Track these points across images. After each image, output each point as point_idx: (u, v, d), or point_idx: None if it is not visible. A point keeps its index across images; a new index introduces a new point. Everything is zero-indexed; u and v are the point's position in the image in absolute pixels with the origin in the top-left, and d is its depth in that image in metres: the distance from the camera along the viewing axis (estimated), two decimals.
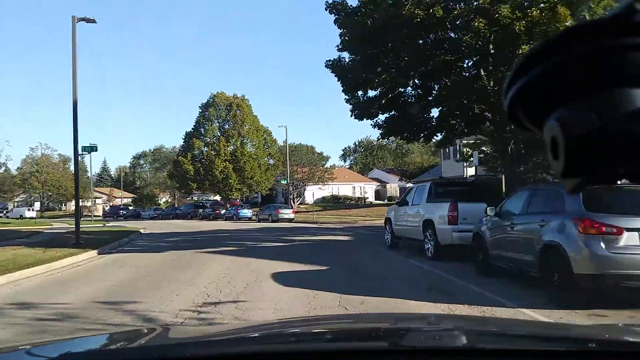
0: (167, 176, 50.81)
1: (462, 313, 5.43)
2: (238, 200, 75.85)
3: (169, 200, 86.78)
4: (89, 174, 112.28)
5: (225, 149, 50.01)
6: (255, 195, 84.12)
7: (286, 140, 44.34)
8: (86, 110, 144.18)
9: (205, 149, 50.49)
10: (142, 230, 28.13)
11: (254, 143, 51.93)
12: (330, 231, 24.38)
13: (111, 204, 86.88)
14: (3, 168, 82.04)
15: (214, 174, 48.70)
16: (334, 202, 60.86)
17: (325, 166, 59.72)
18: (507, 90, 0.52)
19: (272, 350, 1.23)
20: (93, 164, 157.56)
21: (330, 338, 1.52)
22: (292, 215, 36.85)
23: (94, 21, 16.09)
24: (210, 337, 1.62)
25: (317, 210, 36.95)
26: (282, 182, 43.98)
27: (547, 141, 0.49)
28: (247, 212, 43.53)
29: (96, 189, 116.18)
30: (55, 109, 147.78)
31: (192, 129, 52.25)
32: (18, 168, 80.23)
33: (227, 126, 52.04)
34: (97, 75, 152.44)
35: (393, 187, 69.30)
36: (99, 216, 77.30)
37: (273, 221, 36.40)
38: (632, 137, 0.43)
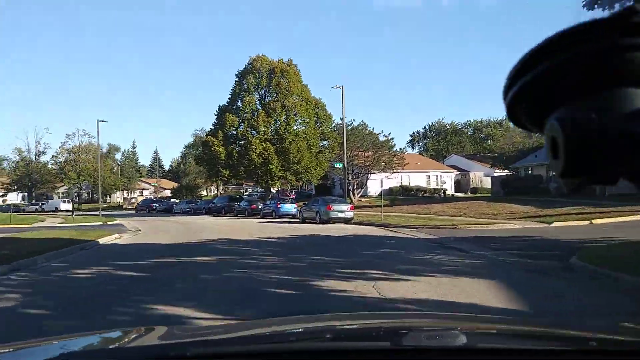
0: (194, 161, 40.08)
1: None
2: (293, 192, 65.41)
3: (221, 191, 77.92)
4: (139, 164, 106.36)
5: (265, 126, 38.89)
6: (310, 186, 73.25)
7: (342, 105, 31.86)
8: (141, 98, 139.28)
9: (241, 126, 39.59)
10: (115, 238, 17.96)
11: (302, 118, 40.41)
12: (428, 249, 12.48)
13: (158, 196, 79.56)
14: (43, 157, 77.69)
15: (251, 157, 37.76)
16: (404, 194, 48.76)
17: (393, 150, 47.23)
18: (507, 90, 0.52)
19: (272, 349, 1.24)
20: (144, 156, 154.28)
21: (330, 337, 1.49)
22: (349, 214, 25.09)
23: None
24: (211, 336, 1.63)
25: (385, 205, 25.73)
26: (337, 165, 32.27)
27: (547, 141, 0.49)
28: (289, 207, 32.28)
29: (145, 180, 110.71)
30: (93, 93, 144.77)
31: (227, 102, 41.64)
32: (53, 156, 73.89)
33: (268, 98, 40.93)
34: (150, 59, 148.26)
35: (477, 176, 55.69)
36: (130, 209, 69.89)
37: (322, 222, 24.88)
38: (632, 137, 0.43)
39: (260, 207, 35.57)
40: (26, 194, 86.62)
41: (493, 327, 1.76)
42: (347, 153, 33.55)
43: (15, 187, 78.32)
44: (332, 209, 24.54)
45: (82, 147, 73.53)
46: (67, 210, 71.18)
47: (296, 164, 38.70)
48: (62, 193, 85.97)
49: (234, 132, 39.85)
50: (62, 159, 73.35)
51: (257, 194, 79.42)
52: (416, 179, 52.78)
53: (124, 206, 79.71)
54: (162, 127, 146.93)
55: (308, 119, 40.39)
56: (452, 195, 49.04)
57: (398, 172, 49.49)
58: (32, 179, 75.14)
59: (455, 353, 1.21)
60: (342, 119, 30.55)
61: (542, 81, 0.48)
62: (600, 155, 0.45)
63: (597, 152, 0.45)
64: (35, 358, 1.45)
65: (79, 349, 1.52)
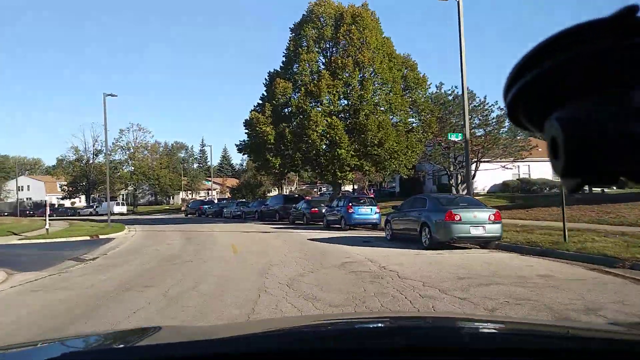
0: (237, 149, 28.89)
1: None
2: (371, 190, 52.83)
3: (294, 189, 67.66)
4: (206, 163, 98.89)
5: (331, 93, 26.79)
6: (393, 183, 60.00)
7: (462, 56, 18.33)
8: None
9: (296, 95, 27.78)
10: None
11: (385, 82, 27.81)
12: None
13: (225, 197, 71.05)
14: (101, 157, 71.74)
15: (310, 138, 25.84)
16: (523, 192, 34.93)
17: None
18: (507, 90, 0.52)
19: (272, 349, 1.23)
20: (213, 154, 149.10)
21: (330, 337, 1.48)
22: (495, 230, 12.10)
23: None
24: (211, 336, 1.60)
25: (503, 207, 13.01)
26: (454, 137, 19.30)
27: (547, 141, 0.49)
28: (367, 212, 20.18)
29: (212, 179, 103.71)
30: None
31: (280, 67, 30.13)
32: (105, 154, 67.16)
33: (335, 54, 28.80)
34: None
35: None
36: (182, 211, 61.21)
37: (435, 244, 12.27)
38: (632, 137, 0.43)
39: (323, 211, 23.64)
40: (92, 196, 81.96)
41: (493, 327, 1.76)
42: (467, 108, 20.33)
43: (71, 189, 73.01)
44: (460, 219, 11.78)
45: (139, 143, 66.32)
46: (120, 213, 64.48)
47: (377, 146, 26.15)
48: (124, 194, 79.90)
49: (287, 105, 28.04)
50: (116, 157, 66.42)
51: (329, 193, 68.02)
52: (539, 170, 38.15)
53: (182, 208, 71.81)
54: (232, 124, 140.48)
55: (393, 83, 27.67)
56: (602, 192, 34.04)
57: (518, 162, 35.51)
58: (90, 180, 69.04)
59: (455, 353, 1.21)
60: (461, 67, 17.27)
61: (542, 81, 0.48)
62: (600, 155, 0.44)
63: (597, 152, 0.44)
64: (35, 358, 1.44)
65: (79, 349, 1.52)
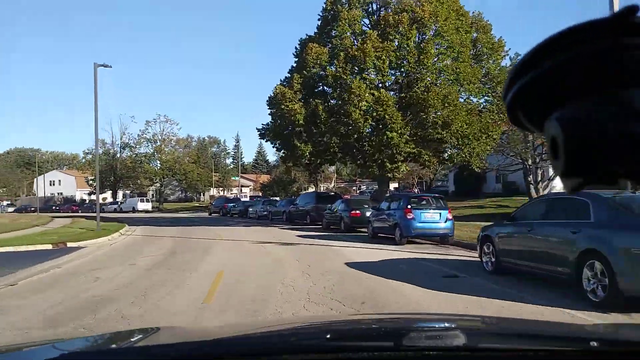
0: (259, 134, 22.78)
1: None
2: (417, 189, 45.99)
3: (331, 187, 61.74)
4: (237, 159, 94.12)
5: (379, 58, 20.24)
6: (443, 178, 52.76)
7: None
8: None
9: (333, 64, 21.39)
10: None
11: (448, 46, 21.02)
12: None
13: (258, 195, 65.93)
14: (127, 151, 67.61)
15: (351, 117, 19.38)
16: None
17: None
18: (507, 90, 0.52)
19: (272, 349, 1.23)
20: (248, 150, 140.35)
21: (330, 337, 1.45)
22: None
23: None
24: (211, 336, 1.60)
25: None
26: None
27: (547, 141, 0.49)
28: (434, 219, 13.63)
29: (246, 176, 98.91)
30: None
31: (315, 32, 23.87)
32: (130, 146, 62.91)
33: (383, 10, 22.26)
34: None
35: None
36: (201, 210, 56.19)
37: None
38: (632, 137, 0.43)
39: (367, 214, 17.29)
40: (124, 192, 78.80)
41: (493, 327, 1.77)
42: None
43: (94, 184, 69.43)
44: None
45: (165, 136, 61.74)
46: (144, 210, 60.20)
47: (440, 128, 19.47)
48: (154, 190, 75.80)
49: (321, 78, 21.73)
50: (142, 151, 62.08)
51: (370, 192, 60.89)
52: None
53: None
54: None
55: (461, 48, 20.89)
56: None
57: None
58: (117, 175, 65.11)
59: (455, 353, 1.20)
60: None
61: (542, 81, 0.48)
62: (600, 155, 0.44)
63: (597, 152, 0.44)
64: (35, 358, 1.44)
65: (79, 349, 1.51)
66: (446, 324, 1.84)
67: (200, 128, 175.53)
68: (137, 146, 61.21)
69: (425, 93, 19.66)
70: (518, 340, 1.38)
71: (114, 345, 1.61)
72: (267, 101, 22.69)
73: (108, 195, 72.84)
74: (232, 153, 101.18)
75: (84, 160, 68.12)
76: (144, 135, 61.09)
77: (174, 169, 61.35)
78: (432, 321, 2.01)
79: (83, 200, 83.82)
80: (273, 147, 23.86)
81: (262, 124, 23.74)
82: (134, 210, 58.06)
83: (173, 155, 61.91)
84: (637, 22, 0.43)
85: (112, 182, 67.77)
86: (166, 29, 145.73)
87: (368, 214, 17.35)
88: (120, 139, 65.87)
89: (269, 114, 22.84)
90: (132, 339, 1.57)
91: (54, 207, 70.84)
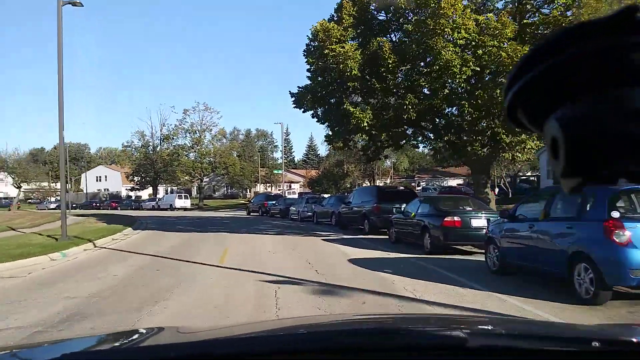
0: (293, 100, 14.94)
1: None
2: (495, 190, 37.01)
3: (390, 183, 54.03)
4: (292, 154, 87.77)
5: None
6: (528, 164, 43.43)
7: None
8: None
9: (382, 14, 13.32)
10: None
11: None
12: None
13: (307, 191, 59.33)
14: (165, 143, 62.20)
15: (440, 58, 11.37)
16: None
17: None
18: (507, 90, 0.51)
19: (272, 349, 1.24)
20: (299, 145, 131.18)
21: (329, 337, 1.46)
22: None
23: None
24: (211, 336, 1.60)
25: None
26: None
27: (547, 141, 0.49)
28: None
29: (296, 171, 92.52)
30: None
31: None
32: (166, 137, 57.55)
33: None
34: None
35: None
36: (241, 208, 49.76)
37: None
38: (632, 137, 0.43)
39: (478, 224, 9.38)
40: (168, 188, 74.68)
41: (493, 327, 1.75)
42: None
43: (138, 179, 65.02)
44: None
45: (205, 125, 55.98)
46: (183, 208, 54.80)
47: None
48: (198, 186, 70.66)
49: (387, 4, 13.80)
50: (180, 142, 56.63)
51: (434, 189, 51.73)
52: None
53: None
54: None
55: None
56: None
57: None
58: (156, 169, 60.26)
59: (455, 353, 1.21)
60: None
61: (542, 81, 0.48)
62: (600, 155, 0.44)
63: (597, 152, 0.44)
64: (35, 358, 1.44)
65: (79, 349, 1.51)
66: (445, 324, 1.80)
67: (248, 121, 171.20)
68: (175, 137, 55.74)
69: (564, 16, 11.43)
70: (517, 341, 1.35)
71: (114, 345, 1.54)
72: (304, 50, 15.11)
73: (148, 192, 68.62)
74: (281, 147, 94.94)
75: (122, 154, 63.98)
76: (182, 125, 55.55)
77: (217, 162, 55.44)
78: (431, 321, 1.96)
79: (129, 197, 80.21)
80: (313, 117, 16.09)
81: (298, 87, 16.14)
82: (171, 208, 52.70)
83: (214, 146, 55.95)
84: (637, 22, 0.42)
85: (152, 177, 63.15)
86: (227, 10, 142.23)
87: (479, 223, 9.50)
88: (160, 131, 61.00)
89: (308, 70, 15.27)
90: (133, 339, 1.56)
91: (94, 204, 67.25)
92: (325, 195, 32.77)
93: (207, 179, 75.14)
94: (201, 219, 31.57)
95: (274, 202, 33.94)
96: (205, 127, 55.81)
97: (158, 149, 59.40)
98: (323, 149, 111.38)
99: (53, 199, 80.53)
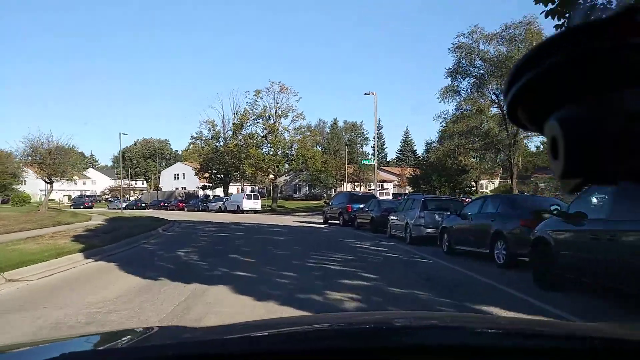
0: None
1: None
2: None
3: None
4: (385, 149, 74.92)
5: None
6: None
7: None
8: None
9: None
10: None
11: None
12: None
13: (403, 192, 47.21)
14: (238, 133, 51.65)
15: None
16: None
17: None
18: (507, 89, 0.51)
19: (271, 349, 1.22)
20: (392, 138, 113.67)
21: (329, 337, 1.44)
22: None
23: None
24: (210, 336, 1.60)
25: None
26: None
27: (547, 141, 0.49)
28: None
29: (387, 168, 79.95)
30: None
31: None
32: (236, 126, 47.89)
33: None
34: None
35: None
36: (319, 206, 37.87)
37: None
38: (632, 137, 0.43)
39: None
40: (245, 186, 66.24)
41: (492, 326, 1.73)
42: None
43: (208, 177, 56.63)
44: None
45: (280, 109, 45.70)
46: (252, 211, 45.04)
47: None
48: (275, 184, 60.96)
49: None
50: (249, 131, 46.83)
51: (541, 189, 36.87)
52: None
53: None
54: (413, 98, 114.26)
55: None
56: None
57: None
58: (227, 164, 51.27)
59: (454, 352, 1.19)
60: None
61: (542, 80, 0.48)
62: (600, 155, 0.44)
63: (597, 152, 0.44)
64: (35, 358, 1.43)
65: (79, 349, 1.52)
66: (445, 324, 1.78)
67: (336, 112, 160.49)
68: (244, 124, 45.97)
69: None
70: (517, 340, 1.34)
71: (114, 345, 1.54)
72: None
73: (219, 191, 60.22)
74: (374, 128, 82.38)
75: (191, 147, 55.91)
76: (253, 110, 45.67)
77: (295, 154, 44.81)
78: (431, 321, 1.90)
79: (206, 196, 72.60)
80: None
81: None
82: (239, 210, 43.16)
83: (291, 136, 45.42)
84: (637, 22, 0.42)
85: (222, 174, 54.26)
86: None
87: None
88: (233, 120, 51.79)
89: None
90: (133, 339, 1.58)
91: (162, 204, 60.24)
92: (443, 197, 20.25)
93: (287, 177, 65.32)
94: (244, 228, 20.78)
95: (361, 206, 22.18)
96: (281, 112, 45.47)
97: (229, 142, 50.16)
98: (420, 143, 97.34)
99: (125, 198, 75.83)
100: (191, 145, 54.66)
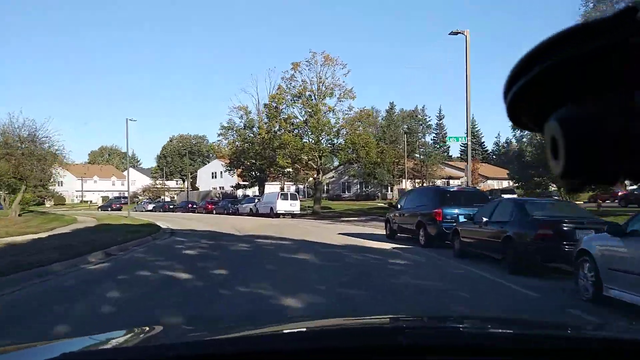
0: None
1: None
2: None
3: None
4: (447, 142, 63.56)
5: None
6: None
7: None
8: None
9: None
10: None
11: None
12: None
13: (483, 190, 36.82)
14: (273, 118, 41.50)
15: None
16: None
17: None
18: (507, 89, 0.51)
19: (271, 349, 1.22)
20: (454, 130, 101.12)
21: (329, 337, 1.44)
22: None
23: None
24: (211, 336, 1.60)
25: None
26: None
27: (547, 141, 0.49)
28: None
29: (451, 163, 68.33)
30: None
31: None
32: (269, 108, 38.41)
33: None
34: None
35: None
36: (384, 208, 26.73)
37: None
38: (632, 137, 0.43)
39: None
40: (288, 184, 57.31)
41: (493, 327, 1.73)
42: None
43: (241, 173, 47.88)
44: None
45: (326, 84, 35.97)
46: (288, 213, 35.65)
47: None
48: (318, 181, 51.16)
49: None
50: (283, 118, 37.27)
51: None
52: None
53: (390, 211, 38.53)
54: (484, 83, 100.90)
55: None
56: None
57: None
58: (258, 156, 42.23)
59: (455, 352, 1.20)
60: None
61: (542, 80, 0.47)
62: (600, 155, 0.44)
63: (597, 152, 0.44)
64: (35, 358, 1.44)
65: (79, 349, 1.50)
66: (445, 324, 1.80)
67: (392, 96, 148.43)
68: (279, 105, 36.46)
69: None
70: (517, 339, 1.35)
71: (114, 345, 1.54)
72: None
73: (253, 190, 51.28)
74: (434, 133, 70.67)
75: (219, 139, 47.11)
76: (290, 88, 36.11)
77: (349, 142, 34.88)
78: (431, 321, 1.93)
79: (245, 196, 63.75)
80: None
81: None
82: (272, 213, 33.95)
83: (336, 117, 35.53)
84: (637, 22, 0.41)
85: (258, 170, 45.25)
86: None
87: None
88: (270, 104, 42.41)
89: None
90: (133, 339, 1.58)
91: (189, 205, 52.14)
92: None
93: (334, 175, 55.42)
94: (251, 252, 11.25)
95: (466, 211, 11.96)
96: (325, 89, 35.66)
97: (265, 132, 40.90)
98: (489, 137, 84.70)
99: (145, 199, 68.80)
100: (221, 137, 45.66)
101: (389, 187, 55.27)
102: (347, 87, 35.27)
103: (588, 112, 0.45)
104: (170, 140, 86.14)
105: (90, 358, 1.36)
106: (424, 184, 50.09)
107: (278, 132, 35.24)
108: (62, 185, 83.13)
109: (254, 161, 44.05)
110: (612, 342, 1.32)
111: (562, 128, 0.46)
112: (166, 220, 26.83)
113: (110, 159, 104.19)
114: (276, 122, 35.11)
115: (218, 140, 45.87)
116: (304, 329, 1.63)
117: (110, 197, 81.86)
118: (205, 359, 1.17)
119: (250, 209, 39.14)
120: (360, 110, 35.25)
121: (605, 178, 0.46)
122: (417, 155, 56.16)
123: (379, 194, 55.14)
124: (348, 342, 1.26)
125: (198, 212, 48.03)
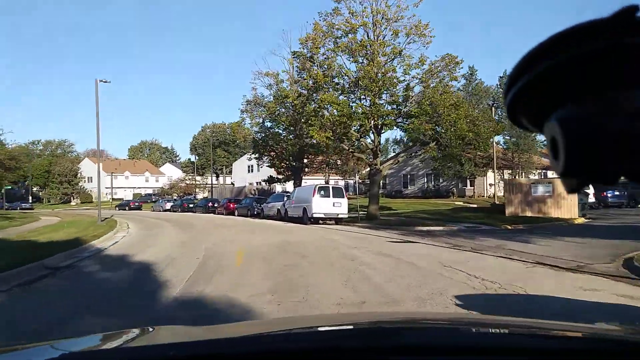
0: None
1: None
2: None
3: None
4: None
5: None
6: None
7: None
8: None
9: None
10: None
11: None
12: None
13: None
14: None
15: None
16: None
17: None
18: (507, 90, 0.51)
19: (271, 349, 1.22)
20: None
21: (329, 337, 1.45)
22: None
23: None
24: (211, 336, 1.59)
25: None
26: None
27: (547, 141, 0.49)
28: None
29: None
30: None
31: None
32: (309, 73, 26.27)
33: None
34: None
35: None
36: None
37: None
38: (632, 137, 0.43)
39: None
40: (331, 178, 45.83)
41: (494, 327, 1.70)
42: None
43: (278, 167, 36.41)
44: None
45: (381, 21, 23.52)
46: (332, 219, 23.53)
47: None
48: (375, 168, 38.50)
49: None
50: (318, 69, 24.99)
51: None
52: None
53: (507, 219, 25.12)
54: None
55: None
56: None
57: None
58: (301, 146, 30.57)
59: (455, 352, 1.19)
60: None
61: (543, 81, 0.47)
62: (600, 155, 0.44)
63: (597, 152, 0.44)
64: (35, 358, 1.43)
65: (79, 349, 1.50)
66: (445, 324, 1.79)
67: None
68: (314, 53, 24.23)
69: None
70: (518, 340, 1.33)
71: (114, 345, 1.53)
72: None
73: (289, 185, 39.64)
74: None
75: (242, 116, 35.47)
76: (331, 27, 23.77)
77: (426, 103, 22.07)
78: (431, 321, 1.91)
79: (285, 191, 51.97)
80: None
81: None
82: (305, 217, 22.19)
83: (406, 64, 22.67)
84: (637, 22, 0.42)
85: (289, 157, 33.54)
86: None
87: None
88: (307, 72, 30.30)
89: None
90: (132, 338, 1.55)
91: (210, 205, 41.49)
92: None
93: (393, 165, 42.62)
94: None
95: None
96: (387, 25, 23.09)
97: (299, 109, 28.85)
98: None
99: (163, 200, 58.93)
100: (245, 115, 34.12)
101: (468, 181, 41.90)
102: (420, 22, 22.54)
103: (588, 112, 0.44)
104: (203, 130, 75.94)
105: (90, 358, 1.36)
106: (519, 176, 36.35)
107: (312, 92, 23.09)
108: (91, 181, 75.49)
109: (285, 144, 32.38)
110: (612, 342, 1.31)
111: (562, 128, 0.45)
112: (143, 228, 17.71)
113: (151, 154, 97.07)
114: (310, 76, 22.93)
115: (240, 118, 34.13)
116: (304, 329, 1.63)
117: (141, 194, 73.90)
118: (205, 359, 1.16)
119: (278, 209, 27.53)
120: (442, 58, 22.46)
121: (605, 178, 0.45)
122: (508, 138, 42.49)
123: (454, 189, 41.88)
124: (348, 342, 1.25)
125: (218, 213, 37.19)
